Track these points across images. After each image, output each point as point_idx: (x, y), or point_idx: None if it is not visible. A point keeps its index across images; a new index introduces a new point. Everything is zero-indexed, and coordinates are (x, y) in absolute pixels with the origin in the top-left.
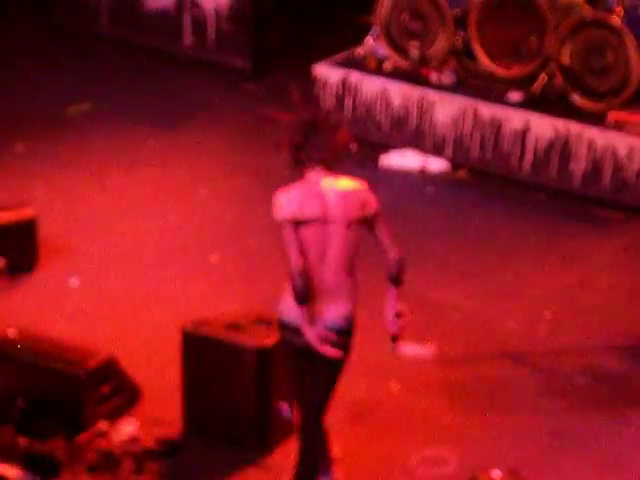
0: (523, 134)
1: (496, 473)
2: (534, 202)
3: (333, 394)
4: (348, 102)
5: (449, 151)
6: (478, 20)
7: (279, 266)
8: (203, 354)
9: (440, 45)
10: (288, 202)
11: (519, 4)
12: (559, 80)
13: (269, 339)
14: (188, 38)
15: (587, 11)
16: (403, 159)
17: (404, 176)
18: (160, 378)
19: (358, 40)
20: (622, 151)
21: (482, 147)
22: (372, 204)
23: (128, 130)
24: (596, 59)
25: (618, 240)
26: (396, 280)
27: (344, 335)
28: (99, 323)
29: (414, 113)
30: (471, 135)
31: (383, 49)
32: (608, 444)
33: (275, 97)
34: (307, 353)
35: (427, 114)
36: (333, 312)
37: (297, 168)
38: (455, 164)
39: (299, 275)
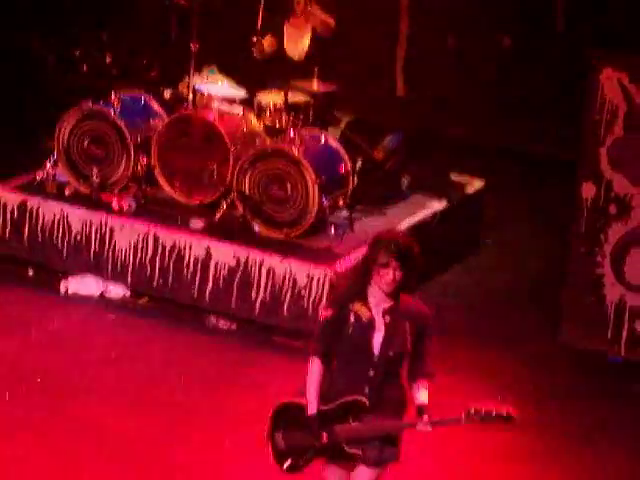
0: (204, 261)
1: None
2: (216, 329)
3: None
4: (26, 227)
5: (130, 278)
6: (160, 147)
7: None
8: None
9: (121, 171)
10: None
11: (201, 133)
12: (240, 209)
13: None
14: None
15: (268, 141)
16: (83, 285)
17: (84, 302)
18: None
19: (38, 164)
20: (301, 280)
21: (163, 274)
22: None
23: None
24: (276, 189)
25: (297, 368)
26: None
27: None
28: None
29: (94, 239)
30: (152, 262)
31: (63, 174)
32: None
33: None
34: None
35: (107, 240)
36: None
37: None
38: (136, 291)
39: None
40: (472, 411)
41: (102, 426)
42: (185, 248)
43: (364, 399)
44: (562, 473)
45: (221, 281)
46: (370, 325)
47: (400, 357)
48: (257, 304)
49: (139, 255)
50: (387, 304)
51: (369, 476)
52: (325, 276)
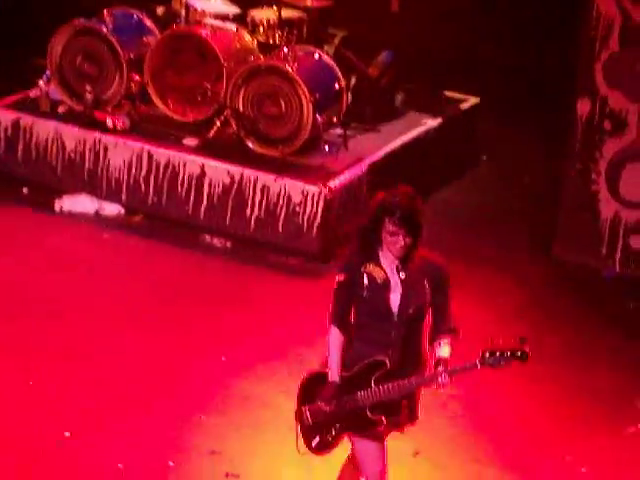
0: (198, 179)
1: None
2: (211, 247)
3: None
4: (20, 145)
5: (124, 196)
6: (153, 64)
7: None
8: None
9: (115, 89)
10: None
11: (194, 50)
12: (234, 126)
13: None
14: None
15: (261, 58)
16: (77, 204)
17: (79, 221)
18: None
19: (31, 82)
20: (296, 197)
21: (157, 192)
22: None
23: None
24: (269, 106)
25: (293, 286)
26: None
27: None
28: None
29: (88, 157)
30: (146, 180)
31: (56, 92)
32: None
33: None
34: None
35: (101, 158)
36: None
37: None
38: (130, 209)
39: None
40: (486, 355)
41: (98, 343)
42: (179, 166)
43: (385, 359)
44: (556, 389)
45: (215, 199)
46: (385, 285)
47: (421, 313)
48: (252, 221)
49: (133, 173)
50: (400, 263)
51: None
52: (319, 193)
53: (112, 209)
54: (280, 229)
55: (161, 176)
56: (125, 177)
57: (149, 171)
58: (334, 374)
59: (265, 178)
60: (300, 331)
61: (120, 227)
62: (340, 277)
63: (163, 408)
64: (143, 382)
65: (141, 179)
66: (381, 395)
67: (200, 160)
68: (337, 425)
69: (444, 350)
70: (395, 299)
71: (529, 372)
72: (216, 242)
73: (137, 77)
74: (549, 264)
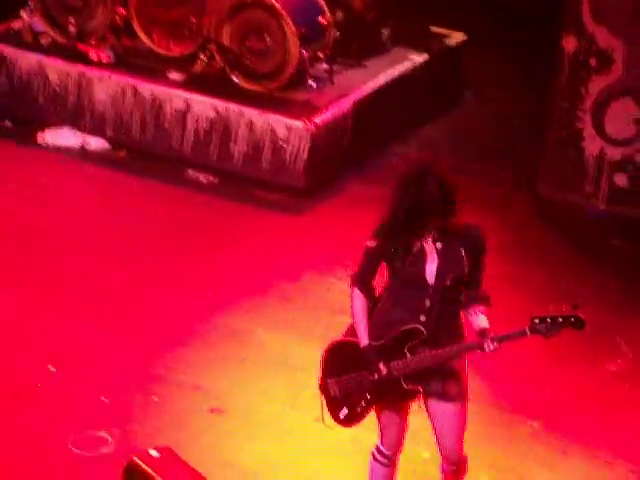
0: (183, 114)
1: (152, 453)
2: (196, 183)
3: None
4: (3, 77)
5: (109, 130)
6: None
7: None
8: None
9: (99, 21)
10: None
11: None
12: (219, 61)
13: None
14: None
15: None
16: (62, 137)
17: (63, 155)
18: None
19: (14, 13)
20: (281, 132)
21: (142, 126)
22: None
23: None
24: (255, 41)
25: (278, 221)
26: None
27: None
28: None
29: (72, 90)
30: (131, 114)
31: (39, 24)
32: None
33: None
34: None
35: (86, 92)
36: None
37: None
38: (115, 143)
39: None
40: (536, 321)
41: (83, 277)
42: (164, 100)
43: (421, 327)
44: None
45: (201, 134)
46: (421, 256)
47: (458, 283)
48: (237, 157)
49: (118, 107)
50: (436, 233)
51: (451, 410)
52: (305, 129)
53: (97, 143)
54: (265, 164)
55: (146, 111)
56: (110, 111)
57: (134, 105)
58: (364, 339)
59: (250, 113)
60: (285, 266)
61: (105, 162)
62: (371, 242)
63: (148, 343)
64: (128, 316)
65: (126, 114)
66: (416, 364)
67: (185, 95)
68: (367, 396)
69: (482, 321)
70: (431, 269)
71: (513, 307)
72: (201, 178)
73: (122, 10)
74: (533, 201)
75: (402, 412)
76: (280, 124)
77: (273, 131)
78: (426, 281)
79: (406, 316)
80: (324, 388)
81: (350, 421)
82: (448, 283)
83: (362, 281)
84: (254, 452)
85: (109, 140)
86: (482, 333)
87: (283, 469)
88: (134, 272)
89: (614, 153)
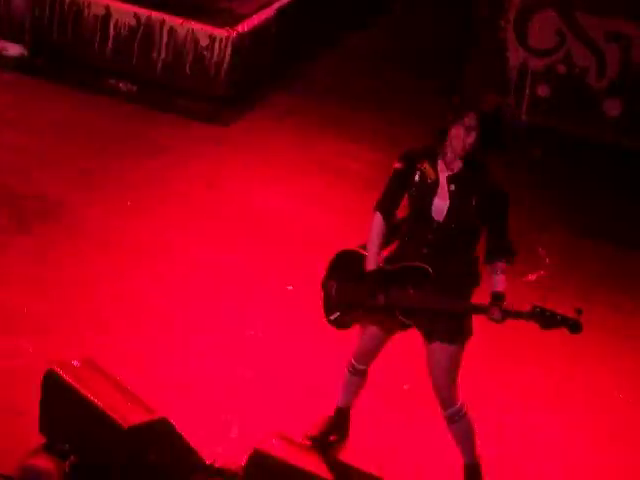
0: (104, 20)
1: (74, 363)
2: (117, 91)
3: None
4: None
5: (27, 36)
6: None
7: None
8: None
9: None
10: None
11: None
12: None
13: None
14: None
15: None
16: None
17: None
18: None
19: None
20: (204, 41)
21: (62, 33)
22: None
23: None
24: None
25: (200, 130)
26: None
27: None
28: None
29: None
30: (50, 19)
31: None
32: None
33: None
34: None
35: None
36: None
37: None
38: (34, 50)
39: None
40: (537, 310)
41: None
42: (84, 6)
43: (427, 268)
44: None
45: (122, 41)
46: (433, 188)
47: (464, 232)
48: (159, 65)
49: (37, 12)
50: (456, 171)
51: (446, 351)
52: (227, 37)
53: (15, 50)
54: (188, 72)
55: (65, 16)
56: (28, 16)
57: (52, 10)
58: (372, 262)
59: (172, 21)
60: (206, 175)
61: (23, 69)
62: (397, 165)
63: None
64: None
65: (45, 19)
66: (416, 302)
67: (105, 1)
68: (360, 311)
69: (500, 282)
70: (438, 205)
71: None
72: (122, 86)
73: None
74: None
75: (385, 335)
76: (202, 33)
77: (195, 40)
78: (431, 214)
79: (412, 248)
80: (324, 286)
81: (338, 326)
82: (453, 227)
83: (384, 207)
84: None
85: (28, 46)
86: (495, 297)
87: None
88: (49, 178)
89: (537, 64)
